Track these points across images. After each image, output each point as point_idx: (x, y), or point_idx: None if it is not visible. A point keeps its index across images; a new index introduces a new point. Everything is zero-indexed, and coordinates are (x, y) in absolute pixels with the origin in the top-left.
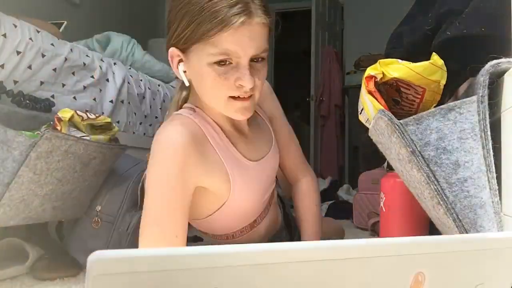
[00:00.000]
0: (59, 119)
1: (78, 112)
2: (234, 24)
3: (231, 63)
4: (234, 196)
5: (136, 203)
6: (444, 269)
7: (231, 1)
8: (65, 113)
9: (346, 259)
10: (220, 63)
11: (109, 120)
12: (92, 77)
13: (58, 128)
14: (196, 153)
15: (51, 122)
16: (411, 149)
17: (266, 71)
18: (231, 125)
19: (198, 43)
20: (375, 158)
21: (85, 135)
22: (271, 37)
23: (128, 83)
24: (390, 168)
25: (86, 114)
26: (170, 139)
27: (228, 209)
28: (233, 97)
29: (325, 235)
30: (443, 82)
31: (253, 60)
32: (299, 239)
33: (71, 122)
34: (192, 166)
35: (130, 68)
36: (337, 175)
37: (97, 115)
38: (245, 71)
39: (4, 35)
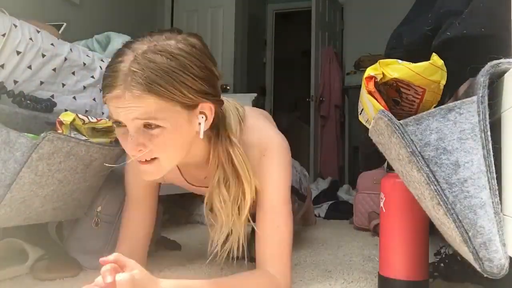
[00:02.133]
0: (61, 123)
1: (79, 115)
2: (106, 94)
3: (125, 125)
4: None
5: None
6: None
7: (108, 72)
8: (67, 117)
9: None
10: (117, 123)
11: (110, 123)
12: (92, 77)
13: (60, 131)
14: None
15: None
16: (411, 150)
17: (172, 133)
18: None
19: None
20: (375, 158)
21: (87, 138)
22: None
23: None
24: (390, 168)
25: (87, 118)
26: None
27: None
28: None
29: None
30: (443, 82)
31: (146, 126)
32: None
33: (72, 125)
34: None
35: None
36: (337, 175)
37: (98, 118)
38: (129, 137)
39: (4, 35)
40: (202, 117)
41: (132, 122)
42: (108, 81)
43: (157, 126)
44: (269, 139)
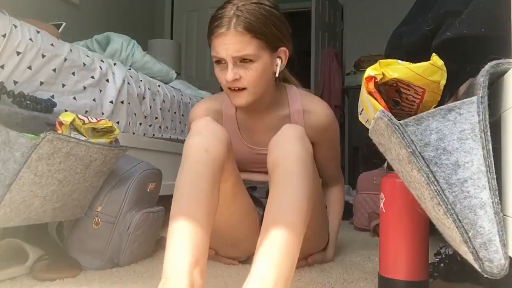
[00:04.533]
0: (60, 123)
1: (79, 116)
2: (213, 34)
3: (225, 62)
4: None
5: (137, 203)
6: None
7: (213, 19)
8: (66, 117)
9: None
10: (217, 62)
11: (110, 124)
12: (92, 77)
13: (60, 132)
14: None
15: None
16: (411, 150)
17: (261, 69)
18: (245, 114)
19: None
20: (375, 159)
21: (87, 139)
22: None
23: (128, 83)
24: (390, 168)
25: (87, 118)
26: None
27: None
28: (230, 89)
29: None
30: (443, 82)
31: (242, 61)
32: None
33: (72, 126)
34: None
35: (130, 69)
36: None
37: (98, 119)
38: (228, 68)
39: (4, 36)
40: (279, 59)
41: (233, 56)
42: (214, 25)
43: (251, 61)
44: (320, 105)
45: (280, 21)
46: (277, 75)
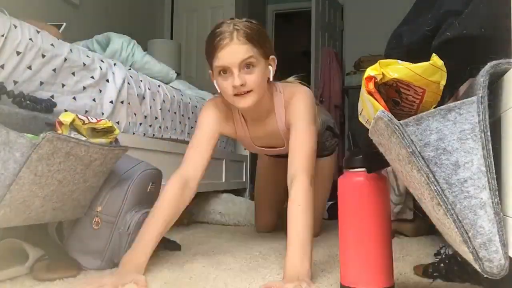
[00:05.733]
0: (60, 123)
1: (79, 116)
2: (216, 49)
3: (229, 72)
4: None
5: (137, 203)
6: None
7: (214, 37)
8: (67, 117)
9: None
10: (222, 72)
11: (110, 124)
12: (92, 77)
13: (59, 132)
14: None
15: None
16: (411, 150)
17: (261, 73)
18: (249, 114)
19: (211, 60)
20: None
21: (87, 139)
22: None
23: (128, 83)
24: (347, 166)
25: (87, 118)
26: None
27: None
28: (236, 95)
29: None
30: (443, 83)
31: (246, 66)
32: None
33: (72, 126)
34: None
35: (130, 69)
36: (337, 175)
37: (98, 119)
38: (234, 75)
39: (4, 36)
40: (271, 66)
41: (237, 64)
42: (217, 39)
43: (253, 66)
44: (296, 88)
45: (267, 35)
46: (271, 79)
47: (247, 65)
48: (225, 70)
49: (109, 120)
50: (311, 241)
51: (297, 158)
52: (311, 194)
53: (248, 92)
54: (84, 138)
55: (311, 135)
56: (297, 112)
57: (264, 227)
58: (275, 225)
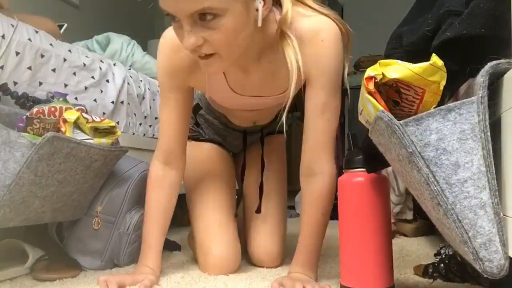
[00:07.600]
0: (65, 120)
1: (83, 114)
2: None
3: (178, 20)
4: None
5: (137, 203)
6: None
7: None
8: (71, 115)
9: None
10: (171, 17)
11: (113, 124)
12: (93, 77)
13: (63, 129)
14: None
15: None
16: (411, 150)
17: (233, 25)
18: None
19: None
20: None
21: (89, 137)
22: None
23: (128, 83)
24: (347, 166)
25: (91, 117)
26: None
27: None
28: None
29: None
30: (443, 83)
31: (202, 18)
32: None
33: (76, 123)
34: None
35: (130, 69)
36: (337, 175)
37: (101, 118)
38: (184, 32)
39: (3, 36)
40: (260, 2)
41: (186, 14)
42: None
43: (214, 17)
44: (319, 24)
45: None
46: (259, 24)
47: (204, 15)
48: (173, 17)
49: (109, 118)
50: (321, 247)
51: (321, 144)
52: (332, 196)
53: (211, 55)
54: (87, 137)
55: (337, 108)
56: (321, 68)
57: (225, 262)
58: (240, 255)
